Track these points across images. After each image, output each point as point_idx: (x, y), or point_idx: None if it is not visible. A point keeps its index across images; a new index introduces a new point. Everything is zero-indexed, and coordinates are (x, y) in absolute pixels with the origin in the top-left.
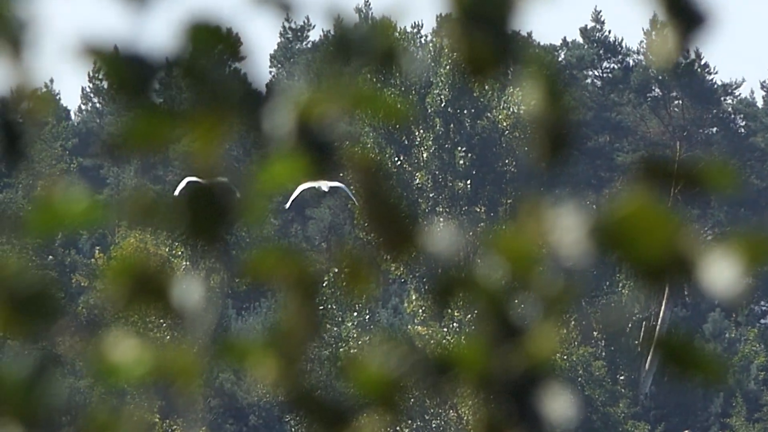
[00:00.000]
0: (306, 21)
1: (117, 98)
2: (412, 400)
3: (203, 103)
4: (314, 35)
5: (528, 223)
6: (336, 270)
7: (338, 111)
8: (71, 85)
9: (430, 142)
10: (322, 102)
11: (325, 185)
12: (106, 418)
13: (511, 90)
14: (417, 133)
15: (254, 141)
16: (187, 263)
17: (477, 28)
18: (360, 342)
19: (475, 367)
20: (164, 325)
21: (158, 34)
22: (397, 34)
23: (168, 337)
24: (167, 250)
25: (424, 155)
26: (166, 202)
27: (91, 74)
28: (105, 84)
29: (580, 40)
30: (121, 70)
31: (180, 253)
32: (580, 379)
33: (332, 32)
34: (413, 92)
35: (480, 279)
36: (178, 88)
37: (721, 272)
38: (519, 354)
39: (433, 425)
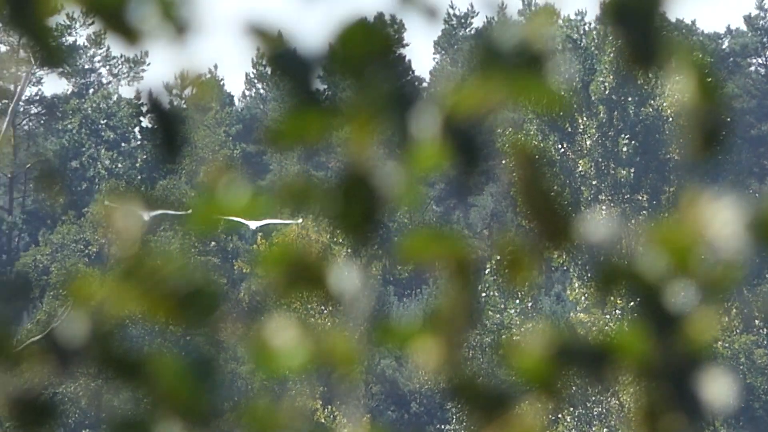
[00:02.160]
0: (470, 7)
1: (279, 84)
2: (574, 387)
3: (360, 96)
4: (477, 22)
5: (689, 213)
6: (498, 257)
7: (496, 101)
8: (235, 71)
9: (594, 130)
10: (478, 93)
11: (253, 224)
12: (267, 404)
13: (675, 78)
14: (580, 121)
15: (407, 135)
16: (348, 250)
17: (637, 17)
18: (522, 329)
19: (636, 354)
20: (325, 311)
21: (318, 24)
22: (561, 21)
23: (328, 323)
24: (328, 237)
25: (588, 143)
26: (322, 189)
27: (254, 60)
28: (268, 69)
29: (744, 27)
30: (284, 56)
31: (341, 240)
32: (742, 367)
33: (495, 19)
34: (577, 80)
35: (641, 267)
36: (335, 81)
37: None
38: (679, 341)
39: (595, 412)
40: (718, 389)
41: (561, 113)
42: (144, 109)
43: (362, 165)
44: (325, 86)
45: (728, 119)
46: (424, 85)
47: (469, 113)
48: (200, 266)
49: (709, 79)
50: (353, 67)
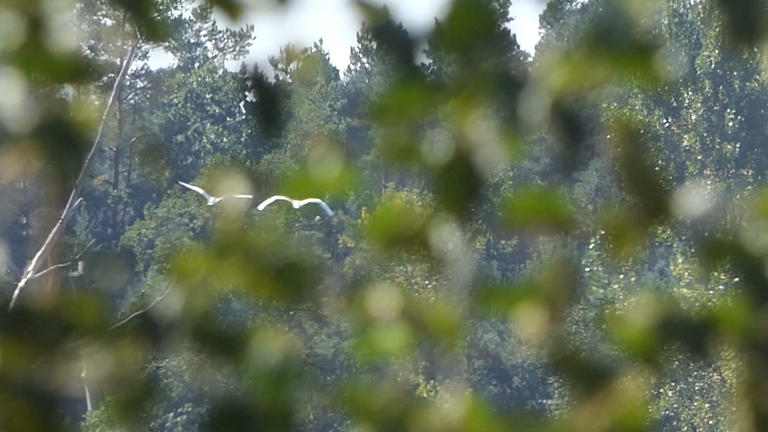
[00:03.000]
0: None
1: (383, 58)
2: (676, 362)
3: (465, 72)
4: None
5: None
6: (602, 232)
7: (601, 77)
8: (341, 46)
9: (699, 104)
10: (584, 68)
11: (296, 203)
12: (369, 379)
13: None
14: (686, 95)
15: (513, 111)
16: (453, 224)
17: None
18: (626, 304)
19: (740, 328)
20: (428, 284)
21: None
22: None
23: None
24: (431, 210)
25: (693, 117)
26: (427, 163)
27: (359, 34)
28: (373, 43)
29: None
30: (389, 29)
31: (428, 211)
32: None
33: None
34: (682, 54)
35: (746, 241)
36: (440, 56)
37: None
38: None
39: (696, 387)
40: None
41: (666, 88)
42: (248, 83)
43: (466, 141)
44: (431, 61)
45: None
46: (530, 60)
47: (575, 88)
48: (300, 240)
49: None
50: (459, 42)
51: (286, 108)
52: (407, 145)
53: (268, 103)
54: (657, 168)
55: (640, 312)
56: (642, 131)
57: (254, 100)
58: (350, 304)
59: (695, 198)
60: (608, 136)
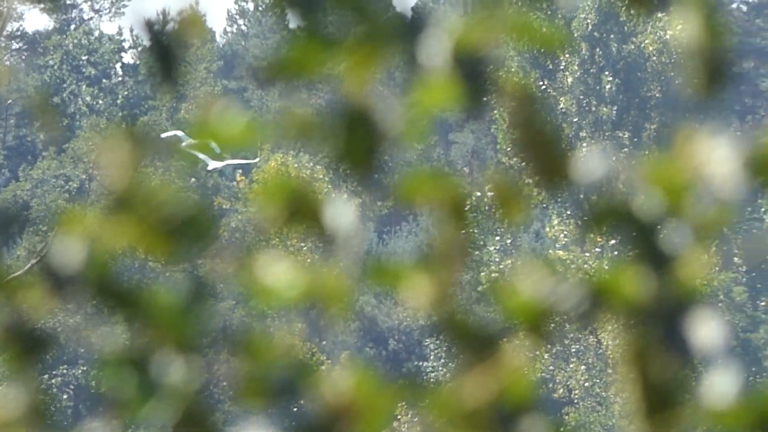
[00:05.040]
0: None
1: (280, 16)
2: (555, 326)
3: (357, 30)
4: None
5: (680, 151)
6: (479, 194)
7: (494, 39)
8: (217, 8)
9: (576, 67)
10: (478, 30)
11: (212, 164)
12: (259, 340)
13: (659, 15)
14: (562, 58)
15: (409, 68)
16: (329, 187)
17: None
18: (502, 266)
19: (623, 294)
20: (311, 248)
21: None
22: None
23: (313, 260)
24: (309, 173)
25: (569, 80)
26: (322, 123)
27: None
28: (251, 5)
29: None
30: None
31: (321, 176)
32: (720, 304)
33: None
34: (559, 17)
35: (631, 206)
36: (330, 14)
37: None
38: (668, 281)
39: (572, 350)
40: (705, 328)
41: (555, 53)
42: (136, 41)
43: (363, 99)
44: (325, 17)
45: (732, 57)
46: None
47: (474, 47)
48: (194, 196)
49: (715, 16)
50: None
51: (184, 60)
52: (301, 105)
53: (164, 56)
54: (547, 132)
55: (523, 276)
56: (531, 95)
57: (147, 56)
58: (228, 266)
59: (578, 161)
60: (502, 99)
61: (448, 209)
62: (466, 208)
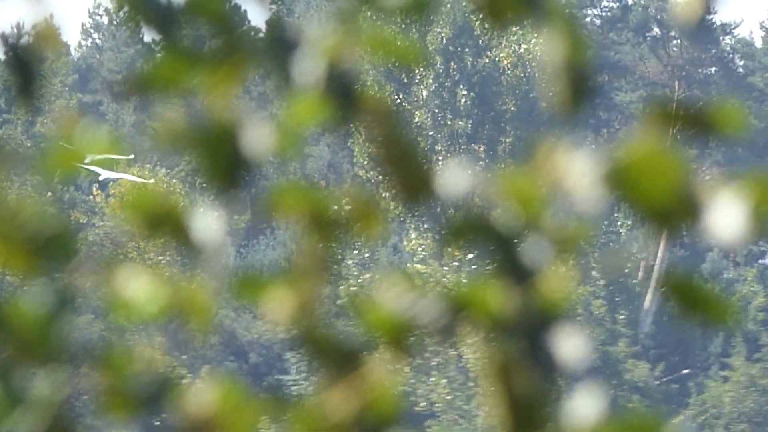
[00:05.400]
0: None
1: (137, 31)
2: (416, 339)
3: (212, 44)
4: None
5: (538, 165)
6: (336, 208)
7: (350, 53)
8: (71, 21)
9: (431, 81)
10: (334, 44)
11: (105, 175)
12: (120, 354)
13: (513, 29)
14: (417, 72)
15: (265, 82)
16: (187, 201)
17: None
18: (361, 280)
19: (485, 309)
20: (169, 262)
21: None
22: None
23: (173, 274)
24: (165, 186)
25: (424, 94)
26: (178, 137)
27: (90, 10)
28: (105, 19)
29: None
30: (141, 4)
31: (178, 190)
32: (580, 318)
33: None
34: (414, 31)
35: (489, 219)
36: (185, 28)
37: (728, 215)
38: (528, 295)
39: (434, 362)
40: (568, 343)
41: (414, 67)
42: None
43: (220, 113)
44: (180, 31)
45: (595, 72)
46: (261, 35)
47: (330, 60)
48: (55, 211)
49: (574, 30)
50: (216, 12)
51: (40, 74)
52: (168, 120)
53: (20, 69)
54: (409, 147)
55: (382, 290)
56: (392, 110)
57: (5, 67)
58: (86, 280)
59: (440, 176)
60: (359, 113)
61: (310, 222)
62: (328, 222)
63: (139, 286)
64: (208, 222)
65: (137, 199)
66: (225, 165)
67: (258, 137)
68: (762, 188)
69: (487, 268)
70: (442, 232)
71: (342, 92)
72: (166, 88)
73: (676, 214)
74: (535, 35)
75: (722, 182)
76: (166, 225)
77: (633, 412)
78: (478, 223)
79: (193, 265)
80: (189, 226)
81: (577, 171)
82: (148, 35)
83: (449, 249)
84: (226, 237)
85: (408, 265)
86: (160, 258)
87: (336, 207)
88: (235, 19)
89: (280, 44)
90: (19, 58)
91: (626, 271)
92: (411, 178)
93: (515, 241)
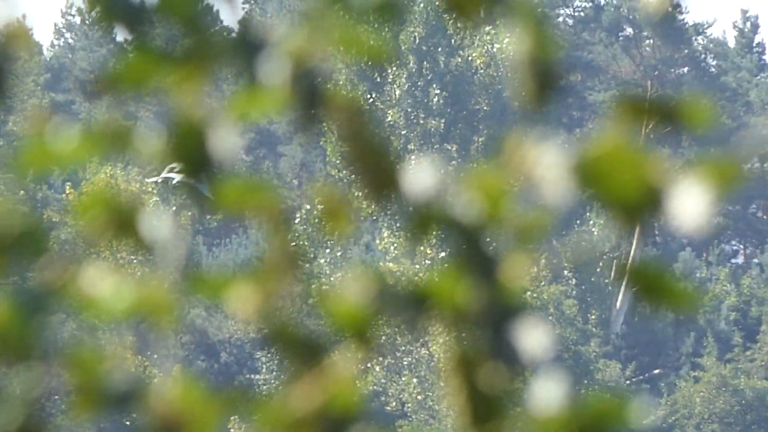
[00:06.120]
0: None
1: (109, 29)
2: (385, 336)
3: (185, 43)
4: None
5: (503, 160)
6: (308, 207)
7: (322, 51)
8: (43, 20)
9: (403, 80)
10: (306, 43)
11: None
12: (90, 353)
13: (486, 28)
14: (390, 71)
15: (237, 81)
16: (158, 199)
17: None
18: (332, 278)
19: (450, 301)
20: (136, 261)
21: None
22: None
23: (140, 273)
24: (138, 186)
25: (397, 93)
26: (151, 136)
27: (63, 10)
28: (97, 18)
29: None
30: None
31: (150, 189)
32: (551, 317)
33: None
34: (387, 30)
35: (454, 214)
36: (158, 27)
37: (691, 201)
38: (492, 288)
39: (405, 362)
40: (532, 335)
41: (382, 65)
42: None
43: (192, 112)
44: (153, 30)
45: (561, 69)
46: (234, 34)
47: (302, 59)
48: (27, 210)
49: (543, 29)
50: (185, 11)
51: (12, 73)
52: (130, 118)
53: None
54: (379, 146)
55: (350, 286)
56: (361, 109)
57: None
58: (58, 278)
59: (408, 173)
60: (331, 112)
61: (274, 221)
62: (293, 220)
63: (107, 285)
64: (161, 220)
65: (89, 199)
66: (189, 161)
67: (219, 133)
68: (722, 170)
69: (451, 260)
70: (407, 225)
71: (310, 91)
72: (138, 87)
73: (643, 207)
74: (508, 35)
75: (683, 170)
76: (123, 224)
77: (595, 397)
78: (442, 216)
79: (155, 264)
80: (143, 224)
81: (545, 164)
82: (120, 35)
83: (416, 243)
84: (179, 235)
85: (380, 263)
86: (132, 257)
87: (303, 205)
88: (207, 19)
89: (250, 44)
90: None
91: (598, 270)
92: (381, 176)
93: (478, 233)
